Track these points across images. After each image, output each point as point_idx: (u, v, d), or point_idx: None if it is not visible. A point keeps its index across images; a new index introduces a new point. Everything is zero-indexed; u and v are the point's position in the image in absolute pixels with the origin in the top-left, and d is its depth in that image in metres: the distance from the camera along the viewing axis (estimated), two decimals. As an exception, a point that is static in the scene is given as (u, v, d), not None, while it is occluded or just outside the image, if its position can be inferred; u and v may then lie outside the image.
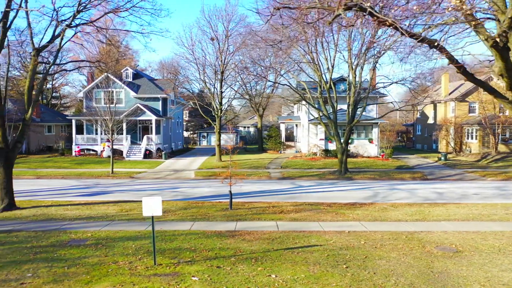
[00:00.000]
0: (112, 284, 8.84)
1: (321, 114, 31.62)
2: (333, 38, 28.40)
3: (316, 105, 31.73)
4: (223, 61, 36.41)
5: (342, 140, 30.41)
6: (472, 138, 41.23)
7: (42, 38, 20.12)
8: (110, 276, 9.32)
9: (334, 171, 30.94)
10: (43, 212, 16.77)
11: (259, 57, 32.22)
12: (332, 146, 39.75)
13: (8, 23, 16.89)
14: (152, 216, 10.17)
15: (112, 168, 30.70)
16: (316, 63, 29.16)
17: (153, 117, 40.09)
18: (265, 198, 20.77)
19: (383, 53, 26.98)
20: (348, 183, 26.69)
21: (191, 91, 39.78)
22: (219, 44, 35.97)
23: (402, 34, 7.22)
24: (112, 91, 42.11)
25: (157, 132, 41.69)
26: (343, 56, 27.81)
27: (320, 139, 40.20)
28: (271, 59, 37.84)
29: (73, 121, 41.69)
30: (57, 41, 19.77)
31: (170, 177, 29.67)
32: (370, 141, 39.72)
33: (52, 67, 21.11)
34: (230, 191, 17.81)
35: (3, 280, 9.08)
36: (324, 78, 30.17)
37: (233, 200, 18.44)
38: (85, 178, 29.05)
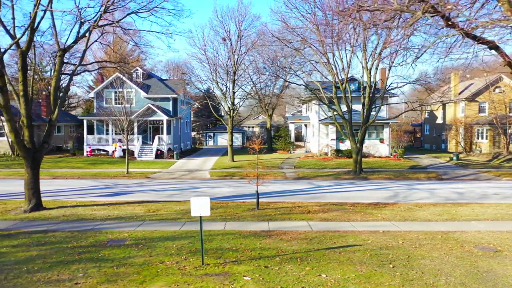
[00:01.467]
0: (166, 284, 8.90)
1: (335, 114, 31.67)
2: (350, 39, 28.44)
3: (331, 105, 31.76)
4: (235, 62, 36.46)
5: (356, 140, 30.47)
6: (482, 138, 41.31)
7: (67, 39, 20.00)
8: (161, 276, 9.38)
9: (348, 171, 31.02)
10: (71, 213, 16.82)
11: (274, 57, 32.26)
12: (343, 146, 39.86)
13: (36, 23, 16.93)
14: (200, 217, 10.24)
15: (127, 168, 30.77)
16: (332, 63, 29.24)
17: (164, 117, 40.14)
18: (287, 198, 20.83)
19: (400, 54, 27.02)
20: (365, 183, 26.77)
21: (203, 91, 39.80)
22: (231, 44, 36.04)
23: (463, 36, 7.29)
24: (123, 91, 42.21)
25: (168, 132, 41.75)
26: (357, 56, 27.92)
27: (332, 139, 40.27)
28: (286, 60, 37.95)
29: (85, 122, 41.73)
30: (75, 40, 19.79)
31: (185, 177, 29.72)
32: (381, 141, 39.80)
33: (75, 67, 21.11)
34: (257, 192, 17.87)
35: (56, 280, 9.14)
36: (339, 78, 30.21)
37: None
38: (101, 178, 29.09)
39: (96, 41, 19.37)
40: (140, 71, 45.19)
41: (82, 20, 18.63)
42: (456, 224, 14.73)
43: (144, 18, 22.27)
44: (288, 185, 25.85)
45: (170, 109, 43.24)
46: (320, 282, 9.04)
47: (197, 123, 74.55)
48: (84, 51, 18.78)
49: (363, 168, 31.19)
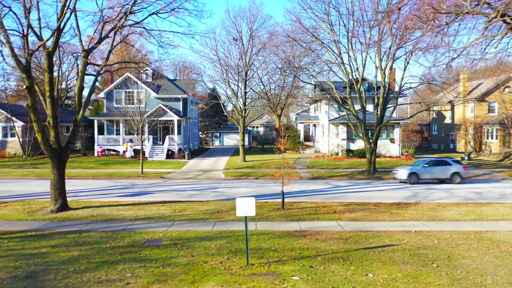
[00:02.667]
0: (217, 283, 8.97)
1: (348, 113, 31.75)
2: (365, 39, 28.54)
3: (346, 106, 31.82)
4: (247, 62, 36.52)
5: (370, 140, 30.54)
6: (492, 137, 41.40)
7: (91, 40, 20.07)
8: (210, 276, 9.45)
9: (362, 171, 31.09)
10: (98, 213, 16.88)
11: (288, 57, 32.33)
12: (354, 146, 39.92)
13: (62, 24, 16.98)
14: (246, 217, 10.31)
15: (142, 168, 30.84)
16: (347, 63, 29.32)
17: (175, 118, 40.18)
18: (308, 198, 20.90)
19: (414, 54, 27.14)
20: (381, 183, 26.84)
21: (215, 91, 39.84)
22: (243, 44, 36.11)
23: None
24: (133, 92, 42.27)
25: (178, 133, 41.78)
26: (370, 57, 28.07)
27: (342, 139, 40.33)
28: (295, 60, 38.06)
29: (95, 122, 41.78)
30: (98, 41, 19.83)
31: (200, 177, 29.78)
32: (392, 141, 39.87)
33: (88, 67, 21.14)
34: (282, 192, 17.95)
35: (106, 280, 9.20)
36: (354, 78, 30.29)
37: (279, 200, 18.62)
38: (116, 178, 29.15)
39: (121, 41, 19.44)
40: (149, 71, 45.22)
41: (105, 21, 18.70)
42: (485, 224, 14.80)
43: (164, 18, 22.23)
44: (305, 185, 25.90)
45: (180, 109, 43.28)
46: (368, 281, 9.10)
47: (203, 123, 74.61)
48: (109, 51, 18.83)
49: (376, 168, 31.25)
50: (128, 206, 18.34)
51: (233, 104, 38.64)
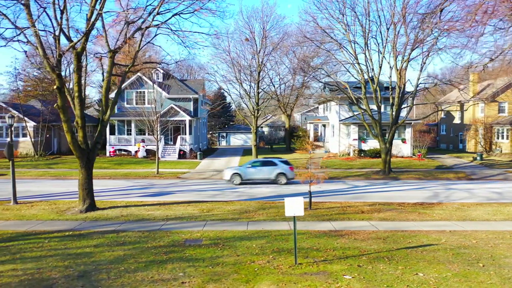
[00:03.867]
0: (272, 282, 9.05)
1: (363, 113, 31.83)
2: (381, 39, 28.64)
3: (361, 106, 31.89)
4: (260, 62, 36.60)
5: (385, 140, 30.63)
6: (503, 138, 41.51)
7: (117, 40, 20.15)
8: (262, 275, 9.53)
9: (377, 171, 31.17)
10: (128, 213, 16.95)
11: (304, 57, 32.41)
12: (365, 146, 40.03)
13: (90, 25, 17.04)
14: (294, 216, 10.40)
15: (158, 169, 30.91)
16: (364, 63, 29.43)
17: (187, 118, 40.26)
18: (331, 198, 20.97)
19: (432, 55, 27.27)
20: (398, 183, 26.92)
21: (227, 91, 39.90)
22: (256, 44, 36.18)
23: None
24: (144, 92, 42.39)
25: (189, 133, 41.87)
26: (385, 57, 28.12)
27: (354, 139, 40.42)
28: (306, 60, 38.16)
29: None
30: (124, 41, 19.89)
31: (216, 177, 29.82)
32: (403, 141, 39.96)
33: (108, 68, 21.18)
34: (310, 192, 18.04)
35: (161, 280, 9.28)
36: (369, 77, 30.38)
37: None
38: (132, 178, 29.21)
39: (149, 42, 19.52)
40: (160, 71, 45.29)
41: (129, 22, 18.76)
42: (516, 224, 14.90)
43: (186, 19, 22.30)
44: (324, 185, 25.90)
45: (191, 109, 43.36)
46: (420, 281, 9.19)
47: (209, 123, 74.64)
48: (136, 52, 18.90)
49: (391, 168, 31.34)
50: (154, 206, 18.41)
51: (246, 104, 38.68)
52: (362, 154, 39.30)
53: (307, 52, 42.55)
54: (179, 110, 40.20)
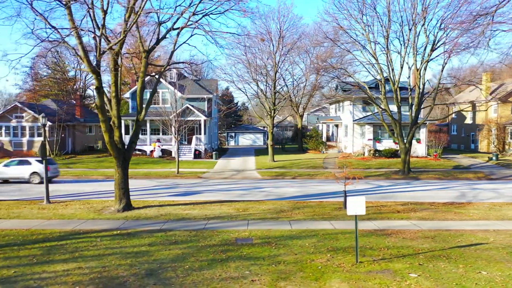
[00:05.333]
0: (342, 280, 9.17)
1: (383, 113, 31.97)
2: (403, 40, 28.79)
3: (380, 106, 32.02)
4: (276, 62, 36.72)
5: (405, 140, 30.78)
6: (516, 138, 41.66)
7: (151, 41, 20.26)
8: (328, 273, 9.65)
9: (396, 171, 31.32)
10: (165, 212, 17.05)
11: (325, 57, 32.55)
12: (381, 146, 40.18)
13: (128, 25, 17.13)
14: (356, 216, 10.51)
15: (178, 168, 31.03)
16: (386, 64, 29.56)
17: (202, 118, 40.37)
18: (360, 198, 21.05)
19: (453, 55, 27.42)
20: (421, 183, 27.07)
21: (245, 91, 40.04)
22: (272, 44, 36.29)
23: None
24: (159, 92, 42.49)
25: (204, 133, 41.99)
26: (406, 57, 28.48)
27: (369, 139, 40.57)
28: (318, 60, 38.32)
29: (123, 122, 41.85)
30: (157, 41, 19.98)
31: (236, 177, 29.96)
32: (418, 141, 40.11)
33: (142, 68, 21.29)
34: (345, 191, 18.16)
35: (230, 277, 9.39)
36: (391, 78, 30.51)
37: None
38: (154, 177, 29.32)
39: (184, 42, 19.61)
40: (174, 71, 45.35)
41: (160, 22, 18.87)
42: (556, 223, 15.03)
43: (214, 19, 22.42)
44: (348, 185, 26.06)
45: (205, 109, 43.49)
46: (487, 279, 9.31)
47: (218, 123, 74.80)
48: (172, 52, 19.03)
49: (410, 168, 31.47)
50: (188, 206, 18.52)
51: (262, 104, 38.77)
52: (377, 154, 39.44)
53: (320, 52, 42.74)
54: (194, 110, 40.32)
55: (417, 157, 39.34)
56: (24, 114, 40.76)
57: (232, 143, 68.63)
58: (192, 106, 41.11)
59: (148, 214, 16.64)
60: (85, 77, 60.55)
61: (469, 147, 49.46)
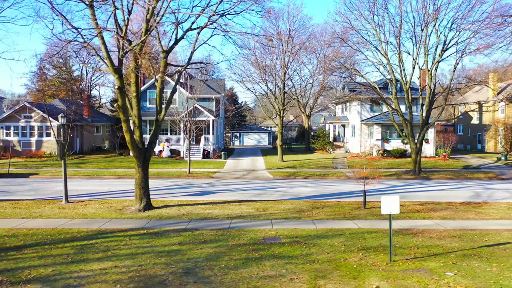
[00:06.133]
0: (380, 278, 9.24)
1: (393, 113, 32.06)
2: (415, 40, 28.87)
3: (392, 106, 32.11)
4: (285, 62, 36.79)
5: (416, 141, 30.87)
6: (524, 138, 41.75)
7: (169, 41, 20.32)
8: (364, 271, 9.72)
9: (407, 171, 31.40)
10: (186, 212, 17.12)
11: (337, 57, 32.64)
12: (389, 147, 40.29)
13: (149, 25, 17.20)
14: (390, 214, 10.58)
15: (189, 168, 31.10)
16: (397, 64, 29.65)
17: (210, 118, 40.45)
18: (376, 198, 21.08)
19: (465, 55, 27.54)
20: (433, 183, 27.16)
21: (254, 91, 40.13)
22: (282, 45, 36.38)
23: None
24: (167, 92, 42.53)
25: (212, 133, 42.06)
26: (413, 57, 28.49)
27: (377, 140, 40.68)
28: (326, 60, 38.40)
29: (131, 122, 41.85)
30: (175, 42, 20.04)
31: (248, 177, 30.03)
32: (426, 141, 40.18)
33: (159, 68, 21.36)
34: (364, 191, 18.27)
35: (269, 276, 9.44)
36: (403, 79, 30.60)
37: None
38: (166, 177, 29.38)
39: (205, 42, 19.68)
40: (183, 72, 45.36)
41: (178, 22, 18.94)
42: None
43: (230, 19, 22.40)
44: (360, 185, 26.11)
45: (213, 109, 43.57)
46: (522, 277, 9.39)
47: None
48: (192, 52, 19.07)
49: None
50: (208, 205, 18.58)
51: (272, 104, 38.84)
52: (385, 154, 39.52)
53: (326, 53, 42.83)
54: (202, 110, 40.39)
55: (425, 157, 39.41)
56: (32, 114, 40.82)
57: (237, 143, 68.76)
58: (201, 106, 41.18)
59: (170, 214, 16.70)
60: (90, 77, 60.66)
61: (476, 147, 49.58)
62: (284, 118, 67.52)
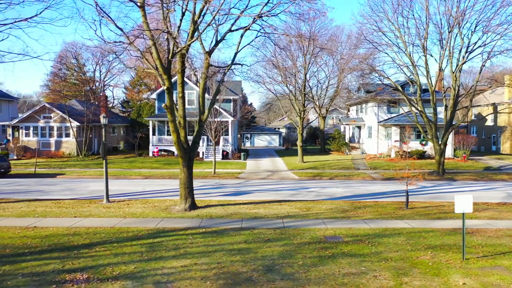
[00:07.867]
0: (462, 276, 9.43)
1: (417, 114, 32.28)
2: (442, 43, 29.13)
3: (415, 107, 32.31)
4: (307, 64, 37.02)
5: (440, 142, 31.08)
6: (540, 140, 41.99)
7: (211, 42, 20.53)
8: (443, 269, 9.91)
9: (431, 172, 31.61)
10: (232, 211, 17.27)
11: (364, 58, 32.89)
12: (407, 148, 40.41)
13: (197, 26, 17.38)
14: (463, 213, 10.77)
15: (214, 169, 31.30)
16: (423, 66, 29.90)
17: (229, 118, 40.64)
18: (411, 198, 21.30)
19: (492, 56, 27.82)
20: (460, 184, 27.37)
21: (274, 92, 40.31)
22: (303, 46, 36.60)
23: None
24: (185, 93, 42.70)
25: (231, 133, 42.24)
26: (435, 59, 28.97)
27: (395, 141, 40.87)
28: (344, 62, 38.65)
29: (150, 123, 42.15)
30: (216, 43, 20.22)
31: (274, 178, 30.19)
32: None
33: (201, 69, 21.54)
34: (407, 191, 18.45)
35: (350, 273, 9.62)
36: (429, 81, 30.83)
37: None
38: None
39: (249, 44, 19.90)
40: (199, 72, 45.60)
41: (218, 24, 19.13)
42: None
43: (265, 21, 22.59)
44: (388, 185, 26.40)
45: (231, 110, 43.77)
46: None
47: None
48: (236, 53, 19.23)
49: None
50: (250, 205, 18.74)
51: (293, 105, 39.02)
52: (403, 156, 39.68)
53: (344, 54, 43.10)
54: (221, 111, 40.56)
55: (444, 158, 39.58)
56: (52, 115, 40.96)
57: (247, 144, 68.90)
58: (220, 107, 41.35)
59: (218, 213, 16.86)
60: (104, 78, 60.79)
61: (490, 148, 49.82)
62: (312, 117, 67.68)
